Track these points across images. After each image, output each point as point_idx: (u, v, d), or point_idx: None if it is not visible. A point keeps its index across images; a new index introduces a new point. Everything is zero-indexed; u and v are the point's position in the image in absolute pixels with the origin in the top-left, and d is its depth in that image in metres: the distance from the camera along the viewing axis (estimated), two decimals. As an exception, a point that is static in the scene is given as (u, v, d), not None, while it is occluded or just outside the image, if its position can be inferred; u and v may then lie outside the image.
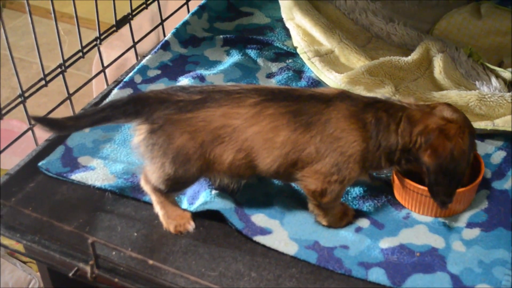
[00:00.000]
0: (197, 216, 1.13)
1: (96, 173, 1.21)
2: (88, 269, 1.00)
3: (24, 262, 1.75)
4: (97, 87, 2.26)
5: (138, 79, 1.45)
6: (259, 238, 1.09)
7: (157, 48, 1.53)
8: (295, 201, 1.14)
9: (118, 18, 1.45)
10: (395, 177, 1.14)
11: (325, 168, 1.04)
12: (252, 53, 1.52)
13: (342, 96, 1.06)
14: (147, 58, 1.50)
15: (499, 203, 1.15)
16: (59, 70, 1.32)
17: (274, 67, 1.48)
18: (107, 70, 2.21)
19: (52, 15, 1.28)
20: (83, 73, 2.05)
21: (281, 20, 1.59)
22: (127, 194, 1.17)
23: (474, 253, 1.06)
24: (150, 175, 1.08)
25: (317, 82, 1.43)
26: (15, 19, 3.16)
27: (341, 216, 1.11)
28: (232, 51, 1.52)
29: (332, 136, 1.03)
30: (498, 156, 1.24)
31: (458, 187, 1.06)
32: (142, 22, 2.19)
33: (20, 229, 1.11)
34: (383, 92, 1.34)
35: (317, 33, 1.50)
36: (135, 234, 1.11)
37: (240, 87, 1.06)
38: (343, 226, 1.11)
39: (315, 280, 1.04)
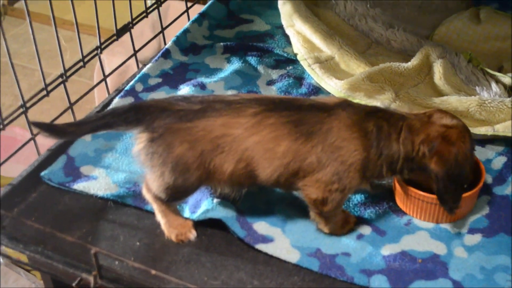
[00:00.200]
0: (199, 224, 1.13)
1: (98, 182, 1.21)
2: (91, 279, 1.00)
3: (28, 271, 1.76)
4: (99, 94, 2.27)
5: (139, 87, 1.45)
6: (261, 246, 1.09)
7: (157, 56, 1.53)
8: (296, 209, 1.14)
9: (118, 26, 1.45)
10: (396, 184, 1.14)
11: (326, 177, 1.04)
12: (252, 60, 1.52)
13: (343, 105, 1.07)
14: (148, 66, 1.50)
15: (500, 208, 1.15)
16: (60, 80, 1.32)
17: (274, 74, 1.48)
18: (108, 78, 2.22)
19: (53, 24, 1.28)
20: (85, 79, 2.06)
21: (281, 27, 1.60)
22: (129, 203, 1.17)
23: (476, 259, 1.06)
24: (151, 183, 1.08)
25: (318, 89, 1.43)
26: (17, 26, 3.17)
27: (343, 224, 1.11)
28: (233, 59, 1.53)
29: (333, 145, 1.04)
30: (499, 162, 1.24)
31: (462, 191, 1.07)
32: (144, 29, 2.19)
33: (23, 240, 1.11)
34: (383, 98, 1.34)
35: (317, 40, 1.51)
36: (138, 243, 1.11)
37: (240, 97, 1.07)
38: (344, 233, 1.11)
39: (317, 287, 1.04)
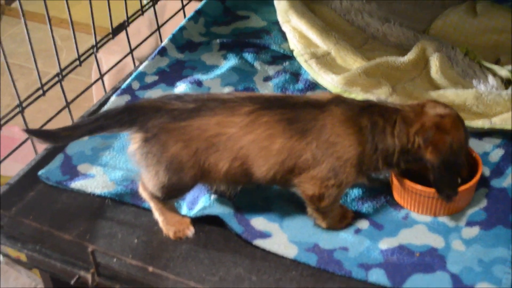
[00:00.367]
0: (196, 221, 1.13)
1: (96, 180, 1.21)
2: (89, 277, 1.01)
3: (30, 269, 1.76)
4: (97, 92, 2.27)
5: (136, 85, 1.45)
6: (258, 242, 1.09)
7: (154, 54, 1.53)
8: (294, 205, 1.14)
9: (114, 25, 1.45)
10: (393, 178, 1.14)
11: (322, 173, 1.04)
12: (249, 56, 1.52)
13: (337, 101, 1.07)
14: (144, 64, 1.50)
15: (498, 201, 1.15)
16: (56, 79, 1.32)
17: (271, 70, 1.48)
18: (106, 75, 2.22)
19: (47, 23, 1.28)
20: (83, 78, 2.06)
21: (277, 23, 1.60)
22: (126, 200, 1.17)
23: (474, 252, 1.06)
24: (146, 182, 1.08)
25: (314, 85, 1.43)
26: (14, 25, 3.17)
27: (340, 218, 1.11)
28: (229, 55, 1.53)
29: (328, 142, 1.04)
30: (496, 154, 1.24)
31: (458, 179, 1.07)
32: (140, 27, 2.19)
33: (21, 239, 1.11)
34: (380, 93, 1.34)
35: (313, 35, 1.51)
36: (136, 240, 1.11)
37: (234, 95, 1.07)
38: (342, 228, 1.11)
39: (316, 282, 1.04)
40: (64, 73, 1.33)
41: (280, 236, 1.10)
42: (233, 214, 1.12)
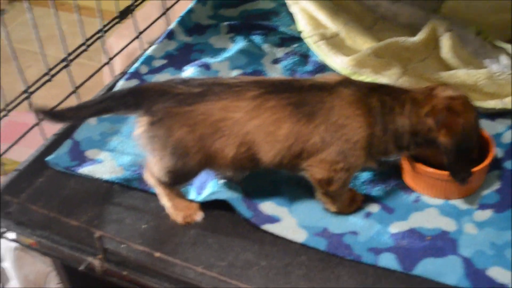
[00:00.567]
0: (205, 206, 1.12)
1: (104, 166, 1.21)
2: (96, 263, 1.00)
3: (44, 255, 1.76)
4: (109, 77, 2.26)
5: (144, 69, 1.44)
6: (267, 227, 1.08)
7: (162, 37, 1.52)
8: (303, 189, 1.13)
9: (121, 8, 1.44)
10: (404, 161, 1.12)
11: (331, 156, 1.03)
12: (257, 39, 1.50)
13: (345, 82, 1.05)
14: (152, 48, 1.49)
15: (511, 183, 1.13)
16: (63, 64, 1.31)
17: (279, 52, 1.47)
18: (118, 60, 2.20)
19: (51, 6, 1.27)
20: (95, 63, 2.05)
21: (285, 4, 1.57)
22: (135, 186, 1.17)
23: (486, 235, 1.04)
24: (152, 167, 1.08)
25: (323, 66, 1.41)
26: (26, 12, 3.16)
27: (350, 202, 1.10)
28: (237, 38, 1.51)
29: (337, 124, 1.02)
30: (509, 135, 1.22)
31: (472, 161, 1.06)
32: (152, 11, 2.17)
33: (30, 225, 1.11)
34: (390, 74, 1.32)
35: (322, 16, 1.48)
36: (144, 226, 1.11)
37: (240, 79, 1.05)
38: (352, 212, 1.10)
39: (325, 267, 1.03)
40: (70, 57, 1.32)
41: (289, 221, 1.09)
42: (242, 198, 1.11)
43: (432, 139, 1.04)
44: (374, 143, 1.04)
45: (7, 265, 1.63)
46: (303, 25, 1.49)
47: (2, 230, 1.10)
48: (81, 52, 1.35)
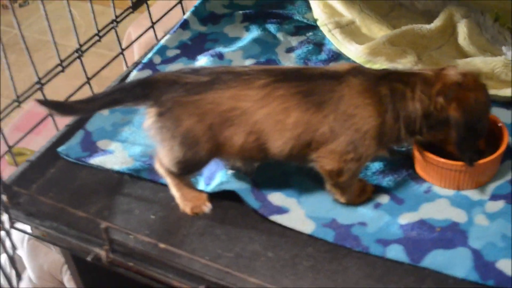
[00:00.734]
0: (214, 196, 1.12)
1: (115, 156, 1.21)
2: (102, 254, 1.01)
3: (56, 245, 1.78)
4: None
5: (157, 59, 1.44)
6: (275, 218, 1.07)
7: (176, 27, 1.51)
8: (312, 180, 1.11)
9: (134, -1, 1.44)
10: (415, 150, 1.11)
11: (341, 147, 1.02)
12: (272, 27, 1.49)
13: (355, 71, 1.03)
14: (166, 38, 1.49)
15: (526, 173, 1.10)
16: (76, 55, 1.32)
17: (294, 41, 1.45)
18: (136, 50, 2.21)
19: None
20: (115, 53, 2.06)
21: (301, -8, 1.56)
22: (144, 176, 1.17)
23: (498, 227, 1.02)
24: (162, 158, 1.07)
25: (338, 55, 1.39)
26: (49, 3, 3.19)
27: (360, 193, 1.08)
28: (252, 27, 1.50)
29: (346, 114, 1.01)
30: (525, 125, 1.19)
31: (478, 143, 1.05)
32: (170, 1, 2.18)
33: (39, 216, 1.11)
34: (405, 62, 1.30)
35: (338, 4, 1.47)
36: (153, 216, 1.11)
37: (249, 68, 1.05)
38: (361, 202, 1.08)
39: (333, 258, 1.02)
40: (83, 48, 1.33)
41: (297, 212, 1.08)
42: (250, 189, 1.10)
43: (443, 118, 1.02)
44: (385, 132, 1.03)
45: (23, 254, 1.65)
46: (318, 13, 1.47)
47: (13, 220, 1.11)
48: (94, 43, 1.35)
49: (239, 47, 1.44)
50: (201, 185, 1.14)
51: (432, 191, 1.09)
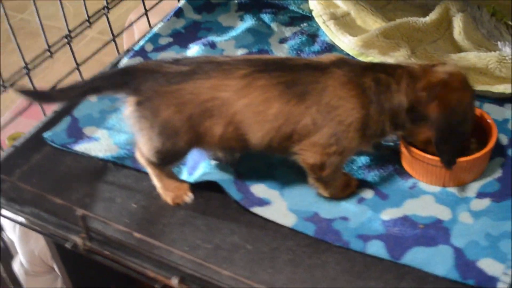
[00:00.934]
0: (197, 187, 1.10)
1: (100, 143, 1.20)
2: (79, 241, 1.00)
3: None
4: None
5: (149, 47, 1.42)
6: (256, 209, 1.05)
7: (170, 15, 1.50)
8: (297, 172, 1.09)
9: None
10: (402, 146, 1.08)
11: (323, 139, 1.00)
12: (266, 17, 1.47)
13: (339, 62, 1.01)
14: (159, 25, 1.47)
15: (514, 171, 1.08)
16: (65, 40, 1.31)
17: (288, 31, 1.43)
18: (134, 37, 2.18)
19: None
20: (118, 39, 2.05)
21: (298, -18, 1.54)
22: (128, 164, 1.16)
23: (482, 225, 1.00)
24: (142, 147, 1.06)
25: (331, 47, 1.37)
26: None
27: (344, 187, 1.07)
28: (246, 16, 1.48)
29: (329, 105, 0.99)
30: (517, 122, 1.16)
31: (461, 147, 1.02)
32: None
33: (20, 202, 1.10)
34: (398, 55, 1.28)
35: (334, -5, 1.44)
36: (134, 205, 1.10)
37: (231, 58, 1.03)
38: (345, 197, 1.07)
39: (312, 253, 1.00)
40: (73, 34, 1.31)
41: (279, 204, 1.06)
42: (233, 180, 1.09)
43: (423, 112, 1.00)
44: (369, 125, 1.00)
45: (15, 238, 1.64)
46: (314, 4, 1.45)
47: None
48: (84, 29, 1.34)
49: (232, 36, 1.42)
50: (184, 175, 1.13)
51: (417, 187, 1.07)
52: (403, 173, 1.10)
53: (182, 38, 1.45)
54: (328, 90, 0.99)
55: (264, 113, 0.99)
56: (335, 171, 1.03)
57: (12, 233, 1.68)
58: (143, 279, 0.99)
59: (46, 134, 1.23)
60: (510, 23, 1.34)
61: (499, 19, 1.35)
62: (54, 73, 1.28)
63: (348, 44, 1.33)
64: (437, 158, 1.04)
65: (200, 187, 1.10)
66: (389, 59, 1.27)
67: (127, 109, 1.04)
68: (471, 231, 0.99)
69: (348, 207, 1.05)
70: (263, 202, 1.07)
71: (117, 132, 1.22)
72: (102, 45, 1.40)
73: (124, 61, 1.38)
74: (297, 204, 1.06)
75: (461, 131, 1.01)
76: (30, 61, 1.24)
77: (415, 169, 1.08)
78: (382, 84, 1.00)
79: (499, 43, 1.30)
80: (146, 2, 1.60)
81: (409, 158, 1.08)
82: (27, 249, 1.66)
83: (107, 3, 1.37)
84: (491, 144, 1.05)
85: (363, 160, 1.12)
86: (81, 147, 1.20)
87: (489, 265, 0.94)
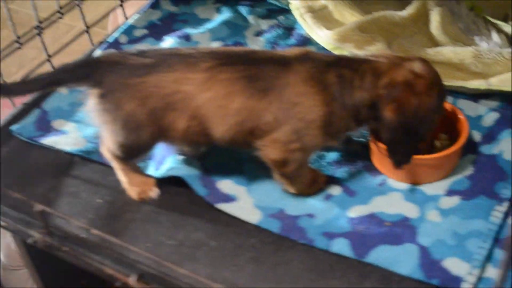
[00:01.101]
0: (164, 182, 1.08)
1: (68, 137, 1.18)
2: (39, 237, 0.98)
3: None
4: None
5: (124, 39, 1.40)
6: (221, 206, 1.04)
7: (146, 7, 1.47)
8: (265, 167, 1.07)
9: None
10: (371, 142, 1.06)
11: (284, 136, 0.97)
12: (243, 10, 1.45)
13: (303, 57, 0.99)
14: (134, 17, 1.45)
15: (485, 169, 1.06)
16: (35, 31, 1.28)
17: (264, 24, 1.41)
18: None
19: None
20: (101, 29, 2.02)
21: (277, -26, 1.51)
22: (95, 159, 1.14)
23: (450, 224, 0.98)
24: (106, 141, 1.04)
25: (307, 40, 1.35)
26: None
27: (311, 183, 1.05)
28: (223, 8, 1.46)
29: (291, 102, 0.96)
30: (490, 118, 1.14)
31: (416, 148, 0.99)
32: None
33: (-18, 196, 1.09)
34: (374, 50, 1.25)
35: (312, -13, 1.42)
36: (99, 200, 1.08)
37: (196, 50, 1.00)
38: (312, 193, 1.05)
39: (276, 250, 0.98)
40: (43, 25, 1.29)
41: (245, 200, 1.05)
42: (199, 175, 1.07)
43: (381, 113, 0.97)
44: (332, 121, 0.98)
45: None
46: (292, -4, 1.43)
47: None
48: (56, 20, 1.32)
49: (207, 29, 1.40)
50: (151, 170, 1.11)
51: (386, 184, 1.05)
52: (372, 170, 1.08)
53: (157, 30, 1.42)
54: (289, 86, 0.97)
55: (227, 107, 0.97)
56: (300, 167, 1.01)
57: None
58: (104, 276, 0.97)
59: (14, 127, 1.21)
60: (488, 17, 1.31)
61: (478, 13, 1.32)
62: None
63: (324, 37, 1.31)
64: (406, 155, 1.02)
65: (168, 183, 1.08)
66: (364, 54, 1.24)
67: (89, 102, 1.01)
68: (438, 230, 0.97)
69: (314, 203, 1.03)
70: (229, 198, 1.05)
71: (86, 125, 1.20)
72: (74, 37, 1.37)
73: (97, 53, 1.36)
74: (264, 200, 1.04)
75: (417, 134, 0.97)
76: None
77: (384, 165, 1.06)
78: (346, 80, 0.97)
79: (476, 38, 1.27)
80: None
81: (378, 154, 1.06)
82: (4, 244, 1.64)
83: (80, -6, 1.35)
84: (461, 141, 1.03)
85: (333, 156, 1.10)
86: (48, 140, 1.18)
87: (454, 265, 0.92)
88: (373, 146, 1.06)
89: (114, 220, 1.05)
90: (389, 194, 1.04)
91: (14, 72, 2.48)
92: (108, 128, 1.01)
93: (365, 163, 1.09)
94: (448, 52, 1.22)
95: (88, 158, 1.14)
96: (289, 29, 1.39)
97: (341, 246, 0.96)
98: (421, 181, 1.04)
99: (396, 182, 1.05)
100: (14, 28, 1.24)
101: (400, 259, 0.94)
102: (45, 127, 1.21)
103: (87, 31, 1.40)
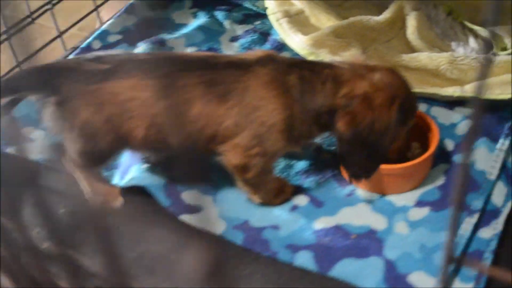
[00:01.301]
0: (129, 191, 1.06)
1: (35, 145, 1.16)
2: (-7, 250, 0.95)
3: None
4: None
5: (97, 44, 1.38)
6: (185, 217, 1.01)
7: (120, 12, 1.45)
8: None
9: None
10: (341, 150, 1.04)
11: (245, 141, 0.95)
12: (220, 15, 1.42)
13: (264, 60, 0.96)
14: (108, 22, 1.43)
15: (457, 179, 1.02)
16: (4, 36, 1.26)
17: (240, 29, 1.38)
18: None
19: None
20: (80, 32, 2.01)
21: (254, -22, 1.49)
22: (59, 168, 1.11)
23: (417, 236, 0.95)
24: (67, 149, 1.01)
25: (282, 45, 1.32)
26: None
27: (277, 193, 1.02)
28: (199, 14, 1.43)
29: (250, 106, 0.94)
30: (465, 126, 1.11)
31: (379, 163, 0.95)
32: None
33: None
34: (348, 56, 1.23)
35: (288, -8, 1.39)
36: (62, 210, 1.05)
37: (153, 56, 0.97)
38: (278, 204, 1.02)
39: (239, 263, 0.95)
40: (13, 31, 1.27)
41: (210, 211, 1.01)
42: (163, 185, 1.04)
43: (334, 124, 0.94)
44: (294, 126, 0.95)
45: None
46: (269, 2, 1.40)
47: None
48: (27, 24, 1.30)
49: (182, 34, 1.38)
50: (116, 179, 1.08)
51: (354, 195, 1.02)
52: (341, 180, 1.05)
53: (131, 35, 1.40)
54: (249, 90, 0.94)
55: (185, 114, 0.94)
56: (262, 174, 0.98)
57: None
58: (60, 289, 0.95)
59: (-20, 135, 1.18)
60: (466, 23, 1.28)
61: (456, 18, 1.29)
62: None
63: (299, 43, 1.28)
64: (374, 165, 0.99)
65: (133, 192, 1.05)
66: (339, 59, 1.21)
67: (47, 110, 0.99)
68: (405, 242, 0.94)
69: (280, 214, 1.00)
70: (193, 209, 1.02)
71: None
72: (49, 41, 1.35)
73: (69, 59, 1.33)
74: (229, 210, 1.02)
75: (376, 147, 0.94)
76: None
77: (353, 175, 1.03)
78: (306, 83, 0.94)
79: (453, 43, 1.25)
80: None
81: (347, 164, 1.03)
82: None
83: (51, -2, 1.32)
84: (431, 150, 1.00)
85: (301, 165, 1.08)
86: (13, 148, 1.15)
87: (420, 279, 0.89)
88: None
89: (76, 231, 1.02)
90: (357, 205, 1.01)
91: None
92: (66, 136, 0.99)
93: (334, 172, 1.06)
94: (424, 58, 1.19)
95: (53, 167, 1.11)
96: (265, 34, 1.37)
97: (305, 259, 0.94)
98: (390, 191, 1.02)
99: (365, 193, 1.02)
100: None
101: (364, 273, 0.91)
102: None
103: (60, 36, 1.37)
